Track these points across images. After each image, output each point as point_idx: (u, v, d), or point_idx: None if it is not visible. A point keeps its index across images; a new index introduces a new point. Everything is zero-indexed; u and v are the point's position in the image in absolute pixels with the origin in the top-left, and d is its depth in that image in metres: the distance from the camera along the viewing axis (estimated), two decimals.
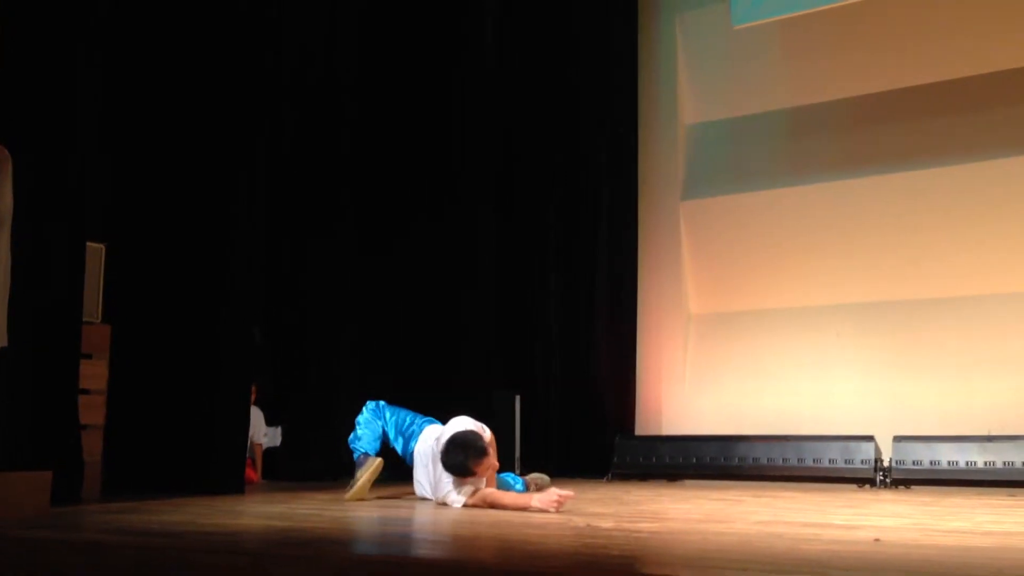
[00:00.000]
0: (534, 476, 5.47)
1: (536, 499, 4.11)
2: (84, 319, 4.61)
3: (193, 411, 5.09)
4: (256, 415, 6.24)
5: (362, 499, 4.68)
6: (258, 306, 5.78)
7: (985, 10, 7.24)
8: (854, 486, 6.75)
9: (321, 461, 6.38)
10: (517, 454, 7.92)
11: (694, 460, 7.40)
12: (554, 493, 4.09)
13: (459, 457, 4.33)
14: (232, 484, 5.03)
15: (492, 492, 4.39)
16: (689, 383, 8.14)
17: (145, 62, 5.32)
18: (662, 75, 8.57)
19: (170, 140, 5.30)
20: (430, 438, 4.75)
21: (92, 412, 4.63)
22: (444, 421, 4.82)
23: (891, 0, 7.34)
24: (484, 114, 7.92)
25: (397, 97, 7.36)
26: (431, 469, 4.66)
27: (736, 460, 7.25)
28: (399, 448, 4.92)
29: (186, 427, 5.05)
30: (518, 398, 7.99)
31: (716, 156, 8.34)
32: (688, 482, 7.37)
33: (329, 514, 3.89)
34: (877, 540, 2.98)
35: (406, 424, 4.91)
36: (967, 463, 6.54)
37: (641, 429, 8.10)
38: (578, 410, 8.17)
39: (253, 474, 6.22)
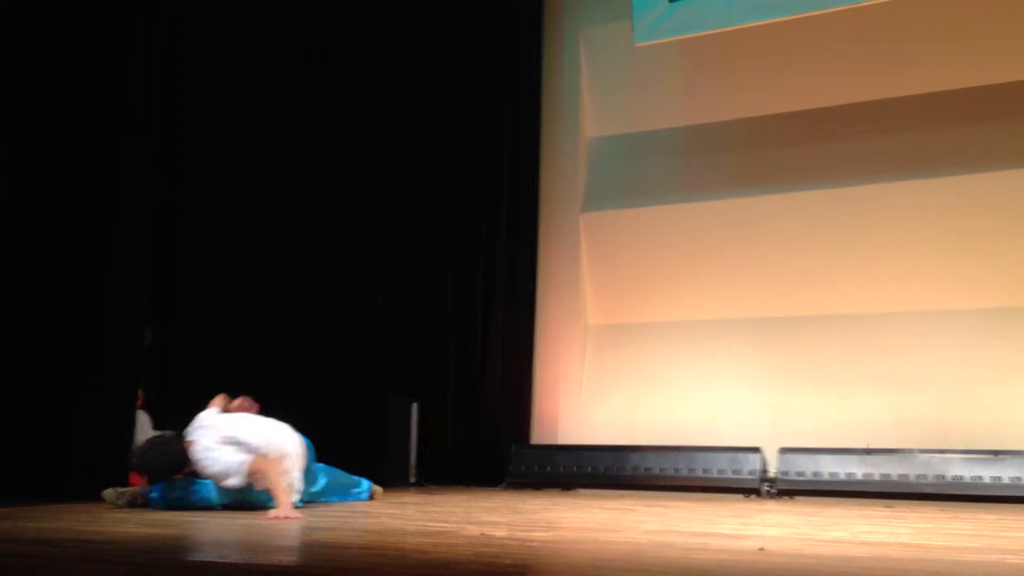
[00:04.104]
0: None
1: (278, 513, 4.05)
2: None
3: (74, 415, 4.89)
4: (143, 419, 6.04)
5: None
6: (146, 305, 5.59)
7: (884, 36, 7.49)
8: (741, 496, 6.92)
9: None
10: (413, 461, 7.87)
11: (588, 469, 7.48)
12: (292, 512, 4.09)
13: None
14: None
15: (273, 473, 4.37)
16: (585, 393, 8.21)
17: (18, 61, 5.08)
18: (566, 89, 8.65)
19: (46, 132, 5.07)
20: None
21: None
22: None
23: (790, 25, 7.55)
24: (385, 125, 7.83)
25: (303, 114, 7.20)
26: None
27: (629, 470, 7.36)
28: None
29: (66, 432, 4.85)
30: (415, 405, 7.95)
31: (617, 170, 8.46)
32: (582, 491, 7.44)
33: (214, 522, 3.78)
34: (762, 549, 3.06)
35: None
36: (847, 475, 6.79)
37: (537, 438, 8.13)
38: (474, 418, 8.16)
39: (139, 481, 6.00)
